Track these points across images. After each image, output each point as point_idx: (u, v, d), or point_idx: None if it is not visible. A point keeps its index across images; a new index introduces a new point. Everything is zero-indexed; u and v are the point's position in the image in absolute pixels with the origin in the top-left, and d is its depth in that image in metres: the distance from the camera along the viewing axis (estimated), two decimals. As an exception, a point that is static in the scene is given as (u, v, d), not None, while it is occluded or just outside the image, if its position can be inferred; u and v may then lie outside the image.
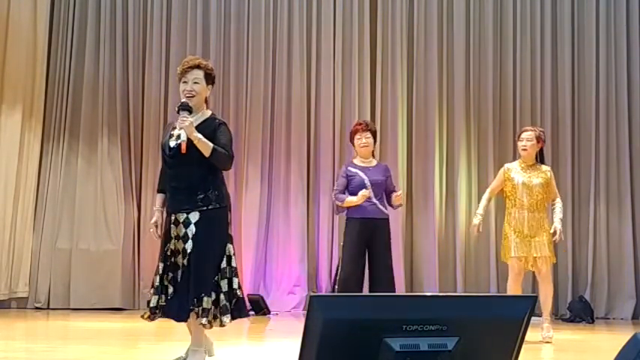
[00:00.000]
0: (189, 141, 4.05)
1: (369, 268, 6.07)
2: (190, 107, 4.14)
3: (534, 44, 8.91)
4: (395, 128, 8.78)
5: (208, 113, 4.28)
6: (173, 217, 4.15)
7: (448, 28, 8.95)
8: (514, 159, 8.22)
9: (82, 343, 5.56)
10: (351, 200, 6.01)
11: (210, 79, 4.28)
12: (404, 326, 2.03)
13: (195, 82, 4.20)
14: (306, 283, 8.57)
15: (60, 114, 8.66)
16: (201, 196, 4.12)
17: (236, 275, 4.21)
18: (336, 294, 5.52)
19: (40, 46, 8.49)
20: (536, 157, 6.27)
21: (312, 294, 2.64)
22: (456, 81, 8.87)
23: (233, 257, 4.21)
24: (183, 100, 4.18)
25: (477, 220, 6.28)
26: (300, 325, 2.08)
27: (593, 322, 8.05)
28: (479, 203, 8.52)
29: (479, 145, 8.81)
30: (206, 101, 4.33)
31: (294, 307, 8.45)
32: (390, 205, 6.22)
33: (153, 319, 4.12)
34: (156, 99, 8.69)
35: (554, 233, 6.05)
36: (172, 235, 4.13)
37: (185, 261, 4.05)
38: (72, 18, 8.77)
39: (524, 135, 6.24)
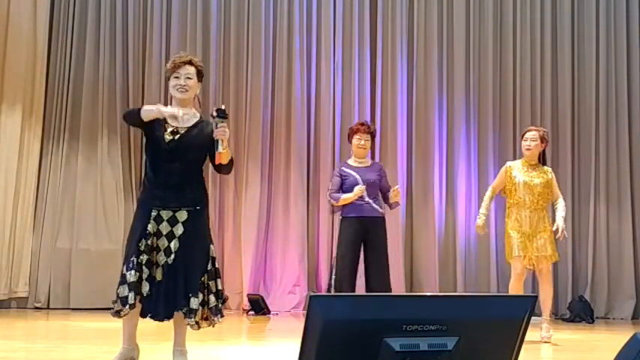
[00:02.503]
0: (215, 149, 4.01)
1: (365, 267, 6.08)
2: (227, 114, 4.09)
3: (534, 44, 8.91)
4: (395, 128, 8.78)
5: (198, 115, 4.23)
6: (155, 213, 4.02)
7: (448, 28, 8.95)
8: (514, 159, 8.24)
9: (82, 343, 5.57)
10: (346, 197, 6.03)
11: (200, 76, 4.26)
12: (404, 326, 2.03)
13: (188, 78, 4.14)
14: (306, 283, 8.57)
15: (60, 114, 8.66)
16: (191, 195, 4.06)
17: (220, 276, 4.17)
18: (335, 294, 5.52)
19: (40, 46, 8.49)
20: (539, 158, 6.26)
21: (312, 294, 2.61)
22: (456, 81, 8.87)
23: (216, 258, 4.17)
24: (220, 107, 4.11)
25: (480, 220, 6.26)
26: (300, 325, 2.08)
27: (593, 322, 8.05)
28: (479, 203, 8.61)
29: (479, 145, 8.81)
30: (194, 99, 4.30)
31: (294, 307, 8.45)
32: (388, 205, 6.22)
33: (126, 315, 4.03)
34: (155, 99, 8.67)
35: (557, 231, 6.05)
36: (151, 232, 4.00)
37: (169, 259, 3.96)
38: (72, 18, 8.77)
39: (528, 135, 6.22)
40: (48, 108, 8.67)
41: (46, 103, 8.65)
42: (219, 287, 4.13)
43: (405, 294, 7.04)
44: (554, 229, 6.07)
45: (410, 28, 8.97)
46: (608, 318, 8.46)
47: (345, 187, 6.12)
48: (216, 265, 4.14)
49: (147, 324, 4.07)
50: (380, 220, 6.10)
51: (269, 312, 8.14)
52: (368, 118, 8.72)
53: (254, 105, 8.78)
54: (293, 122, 8.77)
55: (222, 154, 4.02)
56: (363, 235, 6.02)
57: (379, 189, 6.17)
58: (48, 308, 8.27)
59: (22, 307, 8.26)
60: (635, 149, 8.75)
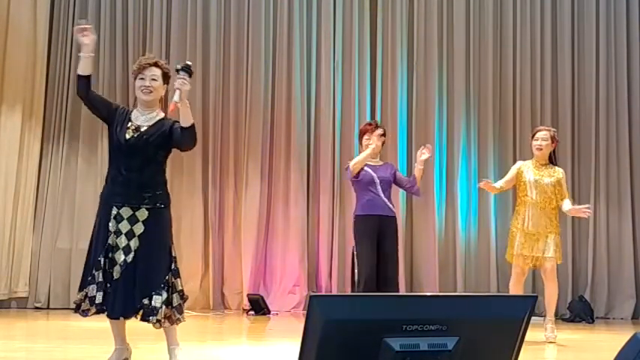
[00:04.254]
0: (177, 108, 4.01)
1: (378, 267, 6.07)
2: (192, 70, 4.09)
3: (534, 44, 8.91)
4: (395, 128, 8.77)
5: (162, 114, 4.23)
6: (115, 211, 4.05)
7: (448, 28, 8.95)
8: (514, 159, 8.24)
9: (82, 343, 5.57)
10: (363, 155, 6.03)
11: (166, 78, 4.27)
12: (404, 326, 2.03)
13: (153, 79, 4.16)
14: (306, 283, 8.57)
15: (60, 114, 8.66)
16: (150, 194, 4.06)
17: (180, 276, 4.17)
18: (335, 294, 5.52)
19: (40, 46, 8.49)
20: (549, 158, 6.27)
21: (312, 294, 2.57)
22: (456, 81, 8.86)
23: (176, 258, 4.19)
24: (182, 64, 4.09)
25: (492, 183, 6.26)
26: (300, 325, 2.08)
27: (593, 321, 8.05)
28: (480, 203, 8.63)
29: (479, 145, 8.80)
30: (160, 101, 4.32)
31: (294, 307, 8.45)
32: (412, 191, 6.32)
33: (88, 315, 4.07)
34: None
35: (578, 210, 6.05)
36: (111, 230, 4.04)
37: (128, 258, 3.99)
38: (72, 18, 8.76)
39: (539, 134, 6.24)
40: (48, 108, 8.66)
41: (46, 103, 8.64)
42: (181, 287, 4.15)
43: (405, 294, 7.04)
44: (566, 208, 6.02)
45: (410, 28, 8.97)
46: (608, 318, 8.46)
47: (362, 184, 6.12)
48: (177, 265, 4.16)
49: (146, 324, 4.07)
50: (393, 221, 6.16)
51: (269, 312, 8.14)
52: (368, 118, 8.73)
53: (254, 105, 8.78)
54: (293, 122, 8.77)
55: (179, 107, 3.97)
56: (377, 233, 6.03)
57: (397, 184, 6.24)
58: (48, 308, 8.27)
59: (22, 307, 8.26)
60: (635, 149, 8.74)
